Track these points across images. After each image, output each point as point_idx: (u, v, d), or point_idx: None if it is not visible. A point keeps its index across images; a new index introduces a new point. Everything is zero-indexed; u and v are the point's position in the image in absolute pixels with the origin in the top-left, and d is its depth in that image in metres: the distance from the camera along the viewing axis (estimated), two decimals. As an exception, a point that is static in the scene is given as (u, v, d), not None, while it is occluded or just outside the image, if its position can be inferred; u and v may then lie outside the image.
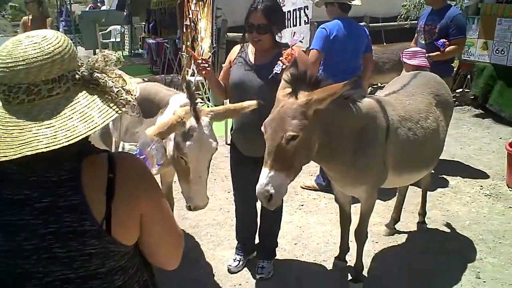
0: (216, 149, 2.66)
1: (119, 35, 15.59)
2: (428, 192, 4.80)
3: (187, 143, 2.53)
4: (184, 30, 9.57)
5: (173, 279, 3.43)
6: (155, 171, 2.03)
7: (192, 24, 9.22)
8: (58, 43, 1.19)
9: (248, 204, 3.47)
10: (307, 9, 6.49)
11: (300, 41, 3.16)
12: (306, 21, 6.58)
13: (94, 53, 15.91)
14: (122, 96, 1.24)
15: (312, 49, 4.39)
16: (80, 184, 1.22)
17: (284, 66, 2.86)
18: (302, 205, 4.67)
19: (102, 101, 1.22)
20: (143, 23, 14.41)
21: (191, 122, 2.56)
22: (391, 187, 3.80)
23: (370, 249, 3.83)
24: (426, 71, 4.06)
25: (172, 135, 2.62)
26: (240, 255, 3.63)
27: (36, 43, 1.16)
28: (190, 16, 9.23)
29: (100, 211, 1.23)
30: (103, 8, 18.49)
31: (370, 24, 9.07)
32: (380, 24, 9.24)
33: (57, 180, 1.22)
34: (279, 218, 3.49)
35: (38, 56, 1.14)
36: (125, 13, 14.59)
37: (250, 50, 3.13)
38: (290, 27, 6.86)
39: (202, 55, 7.76)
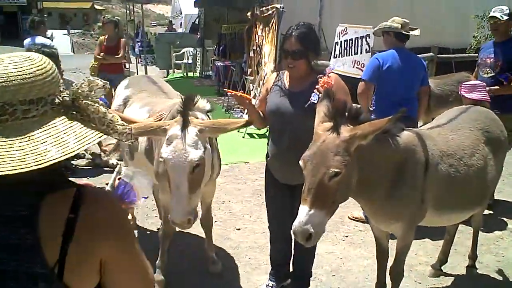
0: (198, 162, 2.64)
1: (192, 57, 16.21)
2: (485, 235, 4.56)
3: (166, 148, 2.60)
4: (252, 55, 9.80)
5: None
6: (141, 203, 2.05)
7: (258, 48, 9.44)
8: (41, 65, 1.15)
9: (282, 231, 3.44)
10: (369, 37, 6.43)
11: (335, 69, 3.13)
12: (368, 49, 6.51)
13: (168, 74, 16.74)
14: (109, 124, 1.19)
15: (361, 79, 4.33)
16: (36, 223, 1.13)
17: (320, 95, 2.85)
18: (347, 236, 4.55)
19: (81, 128, 1.16)
20: (214, 46, 14.91)
21: (174, 130, 2.64)
22: (439, 226, 3.64)
23: (412, 289, 3.65)
24: (486, 105, 3.87)
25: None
26: (273, 281, 3.59)
27: (18, 62, 1.13)
28: (257, 41, 9.46)
29: (54, 253, 1.13)
30: (179, 31, 19.38)
31: (438, 55, 8.81)
32: (448, 55, 8.92)
33: (11, 215, 1.13)
34: (313, 248, 3.42)
35: (18, 75, 1.10)
36: (198, 36, 15.20)
37: (286, 77, 3.15)
38: (352, 55, 6.84)
39: (264, 80, 7.88)
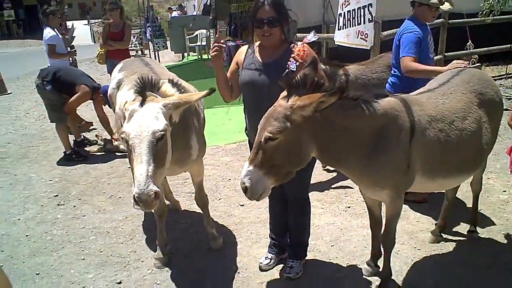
0: (161, 132, 2.64)
1: (205, 39, 16.17)
2: (490, 199, 4.51)
3: (127, 123, 2.67)
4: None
5: (203, 272, 3.56)
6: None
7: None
8: None
9: (274, 200, 3.50)
10: (371, 6, 6.27)
11: (314, 40, 3.09)
12: (370, 19, 6.35)
13: (183, 57, 16.79)
14: None
15: (408, 56, 4.03)
16: None
17: (297, 63, 2.84)
18: (349, 207, 4.56)
19: None
20: (226, 27, 14.82)
21: (133, 106, 2.71)
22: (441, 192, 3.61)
23: (410, 255, 3.65)
24: None
25: None
26: (273, 254, 3.65)
27: None
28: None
29: None
30: (193, 13, 19.33)
31: (450, 21, 8.57)
32: (459, 20, 8.66)
33: None
34: (305, 218, 3.46)
35: None
36: (210, 17, 15.13)
37: (257, 50, 3.14)
38: (355, 25, 6.71)
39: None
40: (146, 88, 2.79)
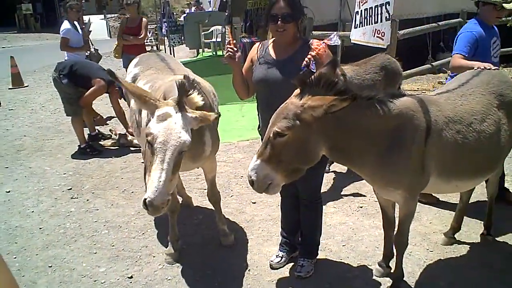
0: (187, 145, 2.64)
1: (220, 35, 16.18)
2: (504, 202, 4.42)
3: (157, 124, 2.60)
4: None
5: (214, 269, 3.57)
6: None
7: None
8: None
9: (286, 198, 3.50)
10: (389, 5, 6.23)
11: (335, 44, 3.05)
12: (388, 17, 6.31)
13: (198, 53, 16.82)
14: None
15: (457, 53, 4.00)
16: None
17: (314, 61, 2.82)
18: (361, 207, 4.52)
19: None
20: (242, 23, 14.81)
21: (168, 109, 2.64)
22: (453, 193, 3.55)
23: (422, 257, 3.61)
24: None
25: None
26: (284, 252, 3.64)
27: None
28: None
29: None
30: (209, 9, 19.35)
31: (467, 20, 8.43)
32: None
33: None
34: (317, 217, 3.44)
35: None
36: (226, 14, 15.13)
37: (271, 47, 3.13)
38: (372, 24, 6.66)
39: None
40: (187, 94, 2.77)
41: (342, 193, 4.87)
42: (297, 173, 2.60)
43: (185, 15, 17.44)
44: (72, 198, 5.02)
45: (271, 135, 2.48)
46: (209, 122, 2.94)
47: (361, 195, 4.77)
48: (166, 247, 3.79)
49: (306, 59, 2.85)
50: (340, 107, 2.37)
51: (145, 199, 2.54)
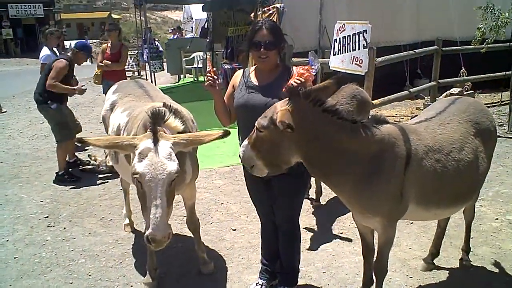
0: (175, 173, 2.62)
1: (202, 61, 16.29)
2: (482, 227, 4.50)
3: (140, 163, 2.56)
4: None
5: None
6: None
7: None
8: None
9: (266, 224, 3.51)
10: (366, 33, 6.38)
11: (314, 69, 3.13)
12: (365, 45, 6.46)
13: (179, 78, 16.86)
14: None
15: None
16: None
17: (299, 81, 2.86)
18: (341, 233, 4.53)
19: None
20: (223, 50, 14.95)
21: (146, 143, 2.61)
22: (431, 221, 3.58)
23: (402, 283, 3.62)
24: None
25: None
26: (264, 280, 3.60)
27: None
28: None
29: None
30: (190, 35, 19.51)
31: (443, 48, 8.68)
32: (452, 48, 8.80)
33: None
34: (295, 244, 3.43)
35: None
36: (207, 40, 15.28)
37: (253, 73, 3.18)
38: (350, 51, 6.80)
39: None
40: (159, 123, 2.74)
41: (321, 219, 4.86)
42: (275, 168, 2.75)
43: (166, 42, 17.55)
44: (48, 226, 4.91)
45: (256, 125, 2.65)
46: (202, 143, 2.94)
47: (340, 222, 4.78)
48: (144, 276, 3.72)
49: (292, 82, 2.88)
50: (281, 129, 2.51)
51: (147, 236, 2.54)
